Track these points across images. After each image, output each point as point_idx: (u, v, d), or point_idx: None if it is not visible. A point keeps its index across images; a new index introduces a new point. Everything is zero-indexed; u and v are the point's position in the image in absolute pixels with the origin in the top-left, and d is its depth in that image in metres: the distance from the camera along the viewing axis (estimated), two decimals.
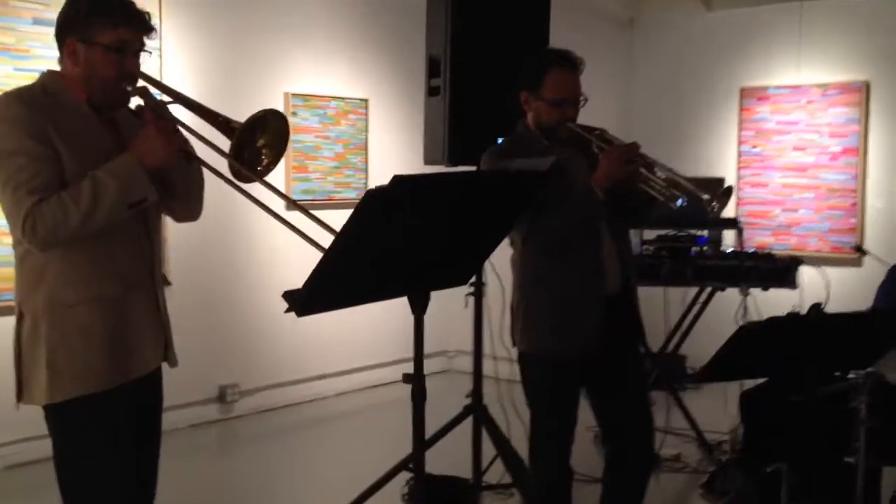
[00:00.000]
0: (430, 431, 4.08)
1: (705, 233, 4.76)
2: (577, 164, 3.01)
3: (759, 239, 6.52)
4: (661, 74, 7.07)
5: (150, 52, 2.47)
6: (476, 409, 4.03)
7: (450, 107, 3.73)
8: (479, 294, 4.01)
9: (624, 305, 3.10)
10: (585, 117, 7.45)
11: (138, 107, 2.43)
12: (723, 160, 6.73)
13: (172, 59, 5.27)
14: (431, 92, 3.84)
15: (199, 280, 5.48)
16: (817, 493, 3.46)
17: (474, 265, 2.01)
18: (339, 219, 6.49)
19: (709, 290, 4.96)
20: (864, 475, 3.20)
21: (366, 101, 6.36)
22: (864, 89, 6.02)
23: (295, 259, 5.72)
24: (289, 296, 1.67)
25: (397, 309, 5.72)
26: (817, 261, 6.20)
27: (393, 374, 6.54)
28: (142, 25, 2.37)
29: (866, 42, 6.06)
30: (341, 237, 1.58)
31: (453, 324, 5.61)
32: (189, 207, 2.53)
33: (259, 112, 2.55)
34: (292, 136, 5.82)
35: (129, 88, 2.39)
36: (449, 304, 3.98)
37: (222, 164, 2.46)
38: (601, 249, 3.04)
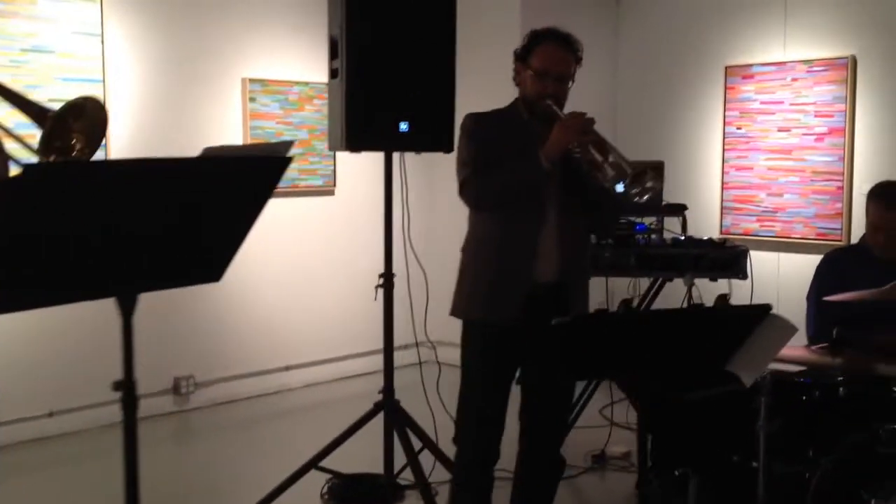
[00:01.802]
0: None
1: (653, 220, 4.49)
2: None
3: (744, 225, 6.23)
4: (648, 53, 6.78)
5: None
6: (387, 405, 3.86)
7: (347, 90, 3.56)
8: (388, 286, 3.84)
9: (557, 299, 2.96)
10: (572, 95, 7.28)
11: None
12: (709, 142, 6.43)
13: (115, 45, 5.18)
14: (332, 74, 3.68)
15: None
16: (723, 497, 3.24)
17: (214, 260, 1.83)
18: (304, 206, 6.41)
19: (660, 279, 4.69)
20: (766, 479, 2.98)
21: None
22: (851, 64, 5.67)
23: (252, 244, 5.65)
24: None
25: (369, 298, 5.59)
26: (803, 247, 5.92)
27: (364, 365, 6.40)
28: None
29: (853, 14, 5.70)
30: None
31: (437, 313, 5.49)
32: None
33: (78, 98, 2.38)
34: (250, 123, 5.78)
35: None
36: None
37: None
38: (540, 234, 2.96)
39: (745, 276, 4.34)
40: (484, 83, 6.60)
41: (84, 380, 5.09)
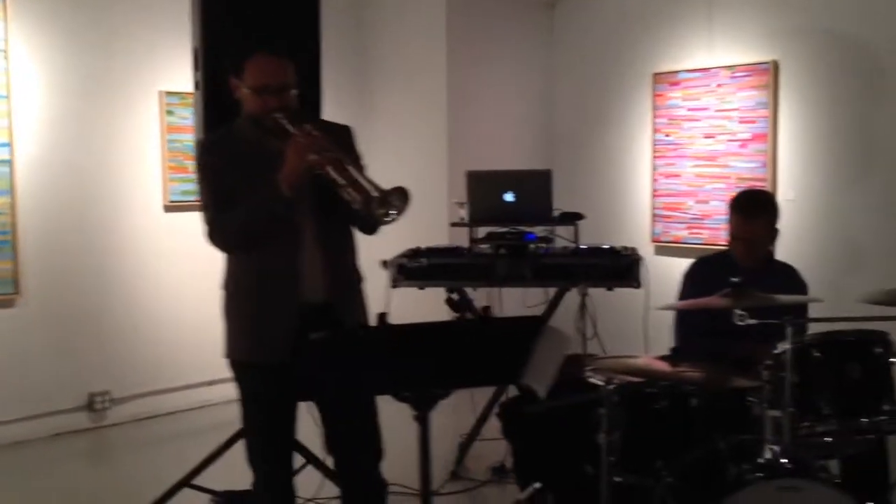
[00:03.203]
0: None
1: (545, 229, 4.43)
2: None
3: (674, 232, 6.16)
4: (581, 59, 6.73)
5: None
6: None
7: (205, 103, 3.52)
8: None
9: (329, 316, 2.87)
10: (508, 101, 7.16)
11: None
12: (639, 149, 6.36)
13: (21, 60, 5.14)
14: (195, 86, 3.63)
15: (62, 282, 5.38)
16: None
17: None
18: None
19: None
20: (609, 491, 2.91)
21: None
22: (773, 69, 5.59)
23: (168, 258, 5.62)
24: None
25: None
26: None
27: None
28: None
29: (775, 18, 5.63)
30: None
31: None
32: None
33: None
34: (168, 136, 5.74)
35: None
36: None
37: None
38: (300, 254, 2.84)
39: (638, 285, 4.27)
40: (407, 87, 6.59)
41: None
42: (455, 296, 4.45)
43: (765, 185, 5.64)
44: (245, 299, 2.89)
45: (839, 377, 2.66)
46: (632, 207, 6.40)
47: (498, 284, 4.37)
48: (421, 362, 2.07)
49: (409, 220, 5.86)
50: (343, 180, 2.64)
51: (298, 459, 3.94)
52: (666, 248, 6.12)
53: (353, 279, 2.99)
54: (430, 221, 5.49)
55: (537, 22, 6.82)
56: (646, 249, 6.17)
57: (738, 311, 2.67)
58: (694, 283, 3.55)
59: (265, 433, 2.96)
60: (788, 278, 3.55)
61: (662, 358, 2.97)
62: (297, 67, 3.38)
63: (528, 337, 2.10)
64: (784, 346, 2.62)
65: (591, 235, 5.42)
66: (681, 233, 6.11)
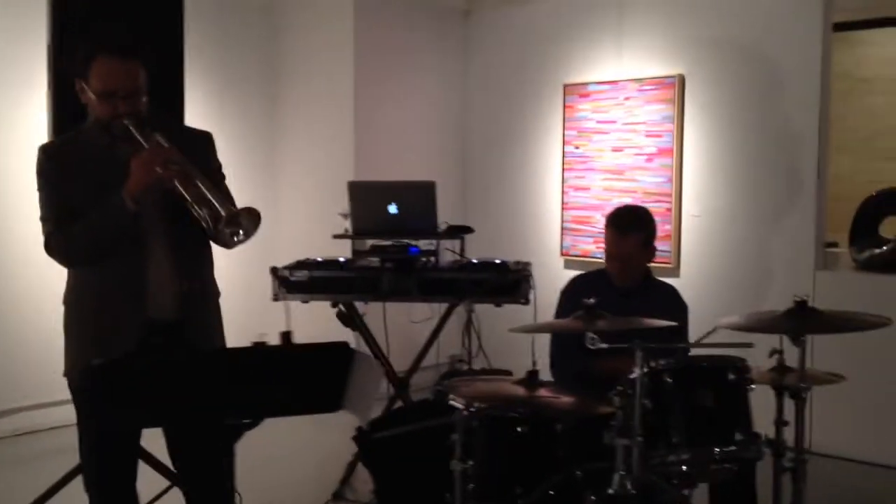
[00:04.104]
0: None
1: (433, 243, 4.27)
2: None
3: (582, 247, 6.06)
4: (494, 70, 6.61)
5: None
6: None
7: (53, 100, 3.32)
8: None
9: (178, 335, 2.69)
10: (419, 111, 6.93)
11: None
12: (550, 161, 6.25)
13: None
14: (48, 85, 3.44)
15: None
16: None
17: None
18: None
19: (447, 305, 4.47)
20: None
21: None
22: (679, 84, 5.52)
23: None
24: None
25: None
26: None
27: None
28: None
29: (682, 32, 5.57)
30: None
31: None
32: None
33: None
34: None
35: None
36: None
37: None
38: (147, 268, 2.66)
39: (526, 302, 4.14)
40: (314, 97, 6.40)
41: None
42: (342, 308, 4.32)
43: (670, 200, 5.58)
44: (86, 316, 2.71)
45: (691, 405, 2.55)
46: (542, 220, 6.29)
47: (382, 299, 4.21)
48: (219, 390, 1.90)
49: (314, 231, 5.74)
50: (190, 196, 2.49)
51: (160, 482, 3.79)
52: (574, 262, 6.01)
53: (206, 295, 2.81)
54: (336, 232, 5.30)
55: (451, 31, 6.69)
56: (555, 263, 6.09)
57: (590, 335, 2.53)
58: (569, 299, 3.43)
59: (104, 458, 2.76)
60: (667, 298, 3.45)
61: (519, 381, 2.83)
62: (159, 67, 3.21)
63: (336, 364, 1.94)
64: (636, 372, 2.49)
65: (501, 249, 5.32)
66: (589, 247, 6.01)
